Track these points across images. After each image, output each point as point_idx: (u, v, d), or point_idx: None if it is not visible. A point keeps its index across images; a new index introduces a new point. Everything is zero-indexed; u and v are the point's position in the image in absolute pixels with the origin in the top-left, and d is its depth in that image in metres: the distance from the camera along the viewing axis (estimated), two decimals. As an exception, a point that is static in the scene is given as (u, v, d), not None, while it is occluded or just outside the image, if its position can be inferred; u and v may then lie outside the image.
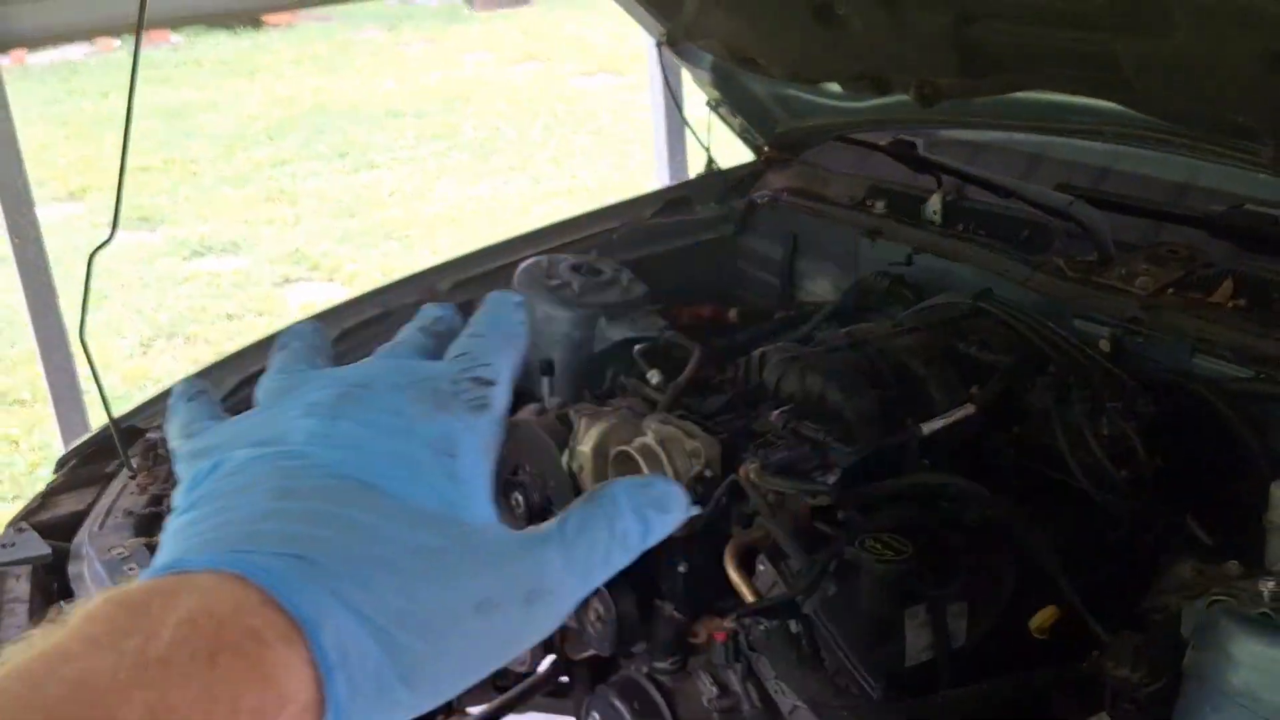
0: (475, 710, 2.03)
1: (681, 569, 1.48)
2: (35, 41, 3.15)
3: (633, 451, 1.45)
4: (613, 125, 8.87)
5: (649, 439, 1.46)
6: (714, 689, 1.49)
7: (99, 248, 1.79)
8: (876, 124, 2.19)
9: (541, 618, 0.52)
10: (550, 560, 0.52)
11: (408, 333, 0.64)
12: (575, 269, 2.11)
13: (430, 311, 0.66)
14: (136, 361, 5.69)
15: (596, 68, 10.53)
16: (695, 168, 3.34)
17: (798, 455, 1.40)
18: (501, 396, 0.59)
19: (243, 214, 7.45)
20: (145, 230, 7.40)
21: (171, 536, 0.50)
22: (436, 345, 0.63)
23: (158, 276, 6.64)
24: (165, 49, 12.00)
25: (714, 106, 2.41)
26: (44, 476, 4.68)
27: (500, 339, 0.61)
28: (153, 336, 5.94)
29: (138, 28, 1.75)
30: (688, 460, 1.44)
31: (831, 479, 1.39)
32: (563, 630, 1.68)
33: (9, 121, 2.98)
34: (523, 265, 2.13)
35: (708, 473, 1.44)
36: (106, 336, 5.84)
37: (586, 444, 1.52)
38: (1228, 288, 1.64)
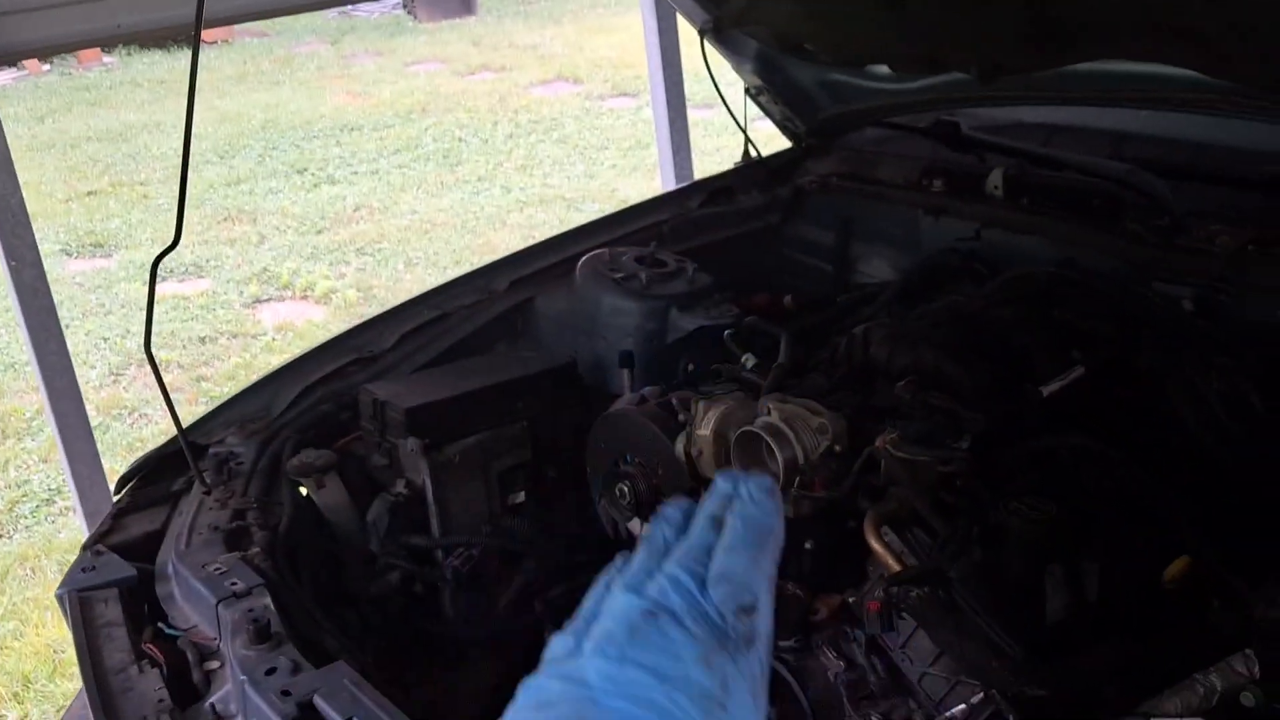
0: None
1: (809, 546, 1.46)
2: (36, 53, 3.04)
3: (759, 431, 1.44)
4: (578, 133, 8.84)
5: (773, 418, 1.44)
6: (839, 664, 1.48)
7: (163, 254, 1.73)
8: (926, 105, 2.20)
9: None
10: None
11: (701, 526, 0.74)
12: (639, 261, 2.09)
13: (724, 489, 0.76)
14: (109, 391, 5.54)
15: (554, 76, 10.49)
16: (699, 166, 3.33)
17: (931, 425, 1.40)
18: (765, 622, 0.69)
19: (201, 235, 7.30)
20: (100, 257, 7.23)
21: None
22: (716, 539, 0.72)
23: (120, 303, 6.48)
24: (98, 70, 11.75)
25: (754, 95, 2.40)
26: (24, 514, 4.54)
27: (756, 548, 0.71)
28: (123, 364, 5.78)
29: (195, 30, 1.70)
30: (815, 437, 1.42)
31: (964, 446, 1.39)
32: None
33: (3, 140, 2.88)
34: (584, 259, 2.10)
35: (837, 448, 1.42)
36: (75, 366, 5.68)
37: (706, 428, 1.50)
38: (1310, 243, 1.67)
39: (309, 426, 1.91)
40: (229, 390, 5.37)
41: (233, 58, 11.86)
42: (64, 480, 4.68)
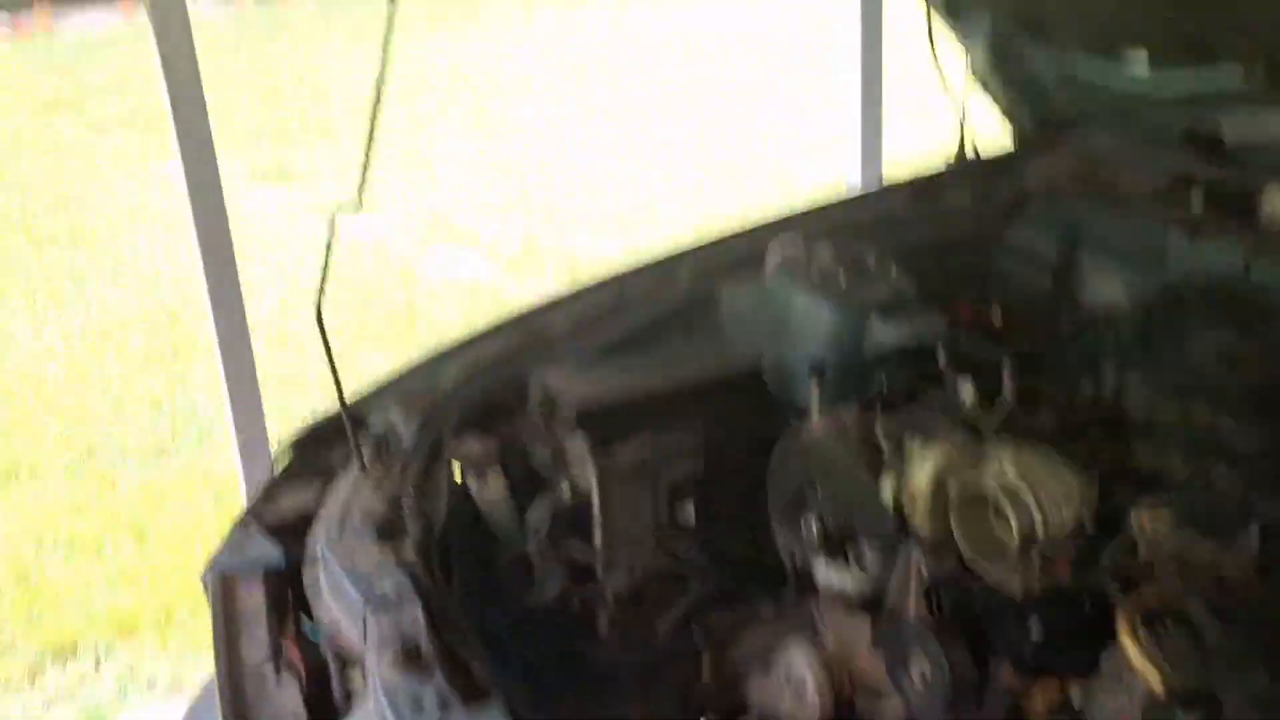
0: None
1: (1035, 630, 1.25)
2: None
3: (991, 491, 1.22)
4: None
5: (1009, 475, 1.23)
6: (1054, 764, 1.27)
7: (341, 212, 1.61)
8: (1185, 104, 1.92)
9: None
10: None
11: None
12: (838, 260, 1.87)
13: None
14: (279, 324, 5.63)
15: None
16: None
17: (1211, 504, 1.16)
18: None
19: (380, 174, 7.37)
20: (283, 187, 7.38)
21: None
22: None
23: (300, 236, 6.59)
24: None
25: (981, 82, 2.15)
26: (189, 440, 4.61)
27: None
28: (294, 299, 5.87)
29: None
30: (1059, 506, 1.20)
31: (1251, 536, 1.15)
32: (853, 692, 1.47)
33: (196, 76, 2.82)
34: (777, 253, 1.91)
35: (1086, 521, 1.20)
36: (248, 295, 5.79)
37: (922, 476, 1.29)
38: None
39: (473, 410, 1.78)
40: (388, 334, 5.41)
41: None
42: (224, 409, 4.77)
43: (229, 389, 3.15)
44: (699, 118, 8.30)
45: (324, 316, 1.61)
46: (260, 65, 9.98)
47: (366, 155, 1.56)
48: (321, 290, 1.61)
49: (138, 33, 10.79)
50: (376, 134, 1.58)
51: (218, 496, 4.23)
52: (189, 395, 4.96)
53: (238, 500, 4.21)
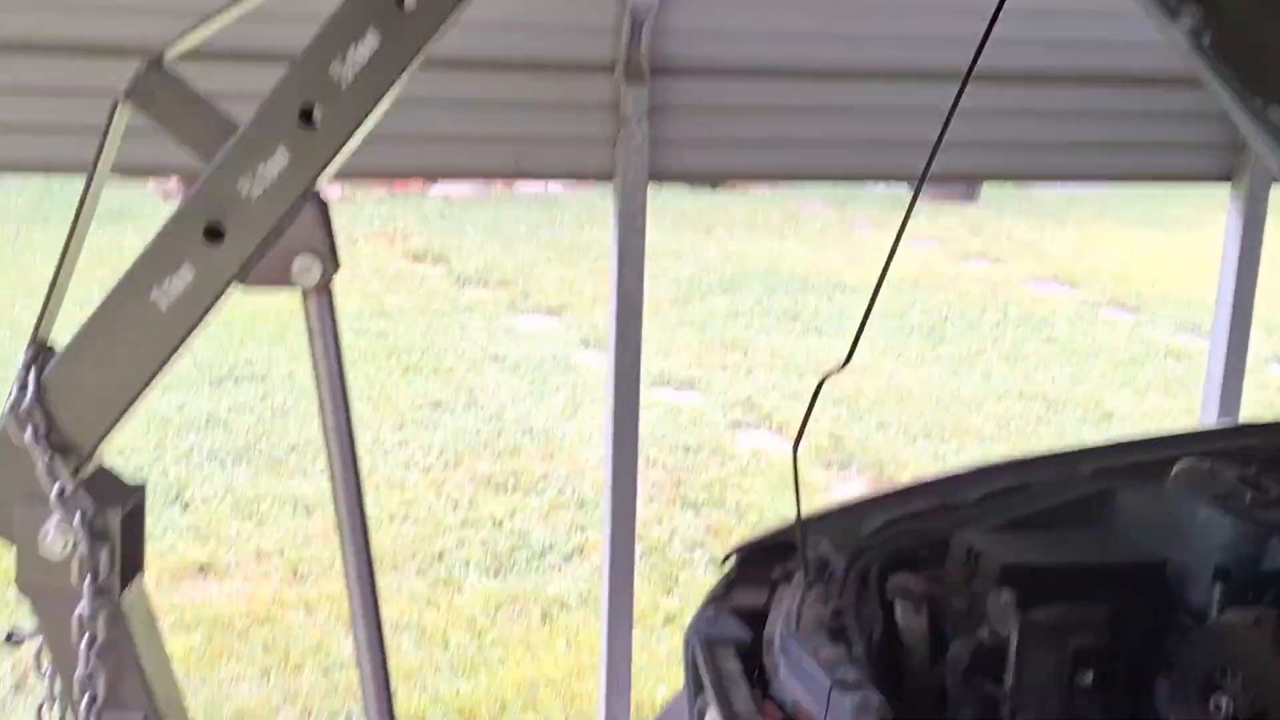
0: None
1: None
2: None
3: None
4: (1069, 335, 8.74)
5: None
6: None
7: (829, 374, 2.01)
8: None
9: None
10: None
11: None
12: (1243, 480, 2.10)
13: None
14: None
15: (1051, 275, 10.47)
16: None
17: None
18: None
19: (700, 356, 7.97)
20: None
21: None
22: None
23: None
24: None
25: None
26: (519, 561, 5.13)
27: None
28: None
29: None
30: None
31: None
32: None
33: (642, 240, 3.34)
34: (1181, 466, 2.15)
35: None
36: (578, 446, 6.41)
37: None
38: None
39: (892, 554, 2.10)
40: (702, 497, 5.84)
41: (744, 204, 12.91)
42: (554, 538, 5.29)
43: (611, 525, 3.52)
44: (1010, 348, 8.50)
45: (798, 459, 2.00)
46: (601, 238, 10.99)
47: (862, 323, 1.95)
48: (800, 433, 2.01)
49: (485, 200, 12.18)
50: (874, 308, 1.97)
51: (545, 612, 4.70)
52: (526, 520, 5.52)
53: (567, 619, 4.65)
